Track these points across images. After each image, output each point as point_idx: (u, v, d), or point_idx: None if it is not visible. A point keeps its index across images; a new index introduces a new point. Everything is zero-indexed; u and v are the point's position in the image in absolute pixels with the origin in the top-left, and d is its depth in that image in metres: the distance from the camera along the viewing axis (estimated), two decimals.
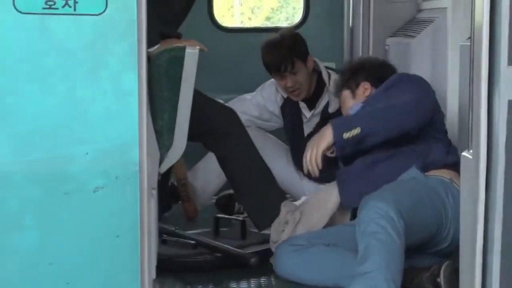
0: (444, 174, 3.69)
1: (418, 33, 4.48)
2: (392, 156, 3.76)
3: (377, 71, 4.05)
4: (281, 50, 4.72)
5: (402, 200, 3.38)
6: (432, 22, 4.42)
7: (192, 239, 4.08)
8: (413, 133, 3.71)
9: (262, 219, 4.10)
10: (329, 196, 3.88)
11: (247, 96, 5.10)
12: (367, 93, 4.01)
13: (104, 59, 2.79)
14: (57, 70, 2.76)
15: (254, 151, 4.19)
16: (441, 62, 4.12)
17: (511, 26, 2.85)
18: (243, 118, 4.98)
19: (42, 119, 2.75)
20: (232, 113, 4.25)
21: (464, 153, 2.90)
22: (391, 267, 3.22)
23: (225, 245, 4.03)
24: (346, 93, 4.10)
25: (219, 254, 3.99)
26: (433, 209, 3.54)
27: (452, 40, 4.02)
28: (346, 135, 3.59)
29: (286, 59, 4.70)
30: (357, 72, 4.09)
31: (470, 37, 3.05)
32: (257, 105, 5.04)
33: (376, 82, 4.00)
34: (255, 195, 4.12)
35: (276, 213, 4.02)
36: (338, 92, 4.18)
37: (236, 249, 4.00)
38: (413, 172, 3.68)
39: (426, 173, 3.69)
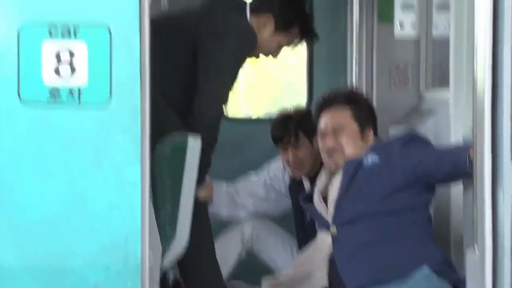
0: None
1: (421, 123, 4.49)
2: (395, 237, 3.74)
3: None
4: (287, 121, 4.80)
5: None
6: (434, 112, 4.44)
7: None
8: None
9: None
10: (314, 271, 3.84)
11: (253, 177, 5.10)
12: (370, 141, 4.00)
13: (107, 151, 2.79)
14: (59, 161, 2.76)
15: None
16: None
17: None
18: (249, 201, 4.98)
19: (43, 211, 2.74)
20: None
21: (469, 251, 2.87)
22: None
23: None
24: (351, 121, 4.03)
25: None
26: None
27: (455, 131, 4.02)
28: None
29: (291, 131, 4.76)
30: (371, 114, 4.10)
31: (472, 128, 3.05)
32: (264, 184, 5.04)
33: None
34: None
35: None
36: (334, 103, 4.07)
37: None
38: (425, 272, 3.64)
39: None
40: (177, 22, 4.13)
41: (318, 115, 4.11)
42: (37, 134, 2.75)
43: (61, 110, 2.75)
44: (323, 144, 4.03)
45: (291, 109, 4.93)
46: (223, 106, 4.18)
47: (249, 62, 4.30)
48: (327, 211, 3.95)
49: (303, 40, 4.34)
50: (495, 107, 2.92)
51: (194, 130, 3.78)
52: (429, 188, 3.83)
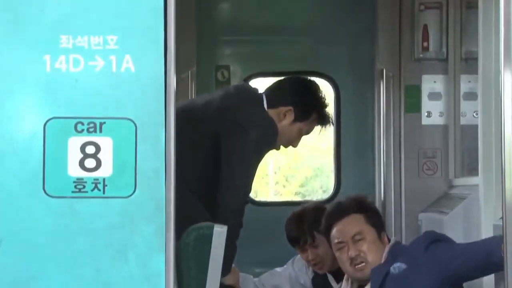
0: None
1: (451, 209, 4.46)
2: None
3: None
4: (301, 223, 4.76)
5: None
6: (464, 199, 4.41)
7: None
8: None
9: None
10: None
11: (278, 269, 5.07)
12: (387, 244, 3.98)
13: (131, 241, 2.79)
14: (84, 252, 2.76)
15: None
16: (475, 240, 4.06)
17: None
18: None
19: None
20: None
21: None
22: None
23: None
24: (368, 227, 4.01)
25: None
26: None
27: (485, 218, 3.99)
28: None
29: (306, 232, 4.73)
30: (379, 217, 4.12)
31: (502, 217, 3.02)
32: (289, 278, 5.00)
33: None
34: None
35: None
36: (348, 213, 4.06)
37: None
38: None
39: None
40: (199, 113, 4.21)
41: (329, 228, 4.12)
42: (62, 227, 2.76)
43: (85, 201, 2.77)
44: (343, 255, 4.02)
45: (301, 209, 4.88)
46: (247, 194, 4.22)
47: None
48: None
49: (321, 126, 4.41)
50: None
51: (219, 217, 3.80)
52: (459, 285, 3.78)
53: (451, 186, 4.99)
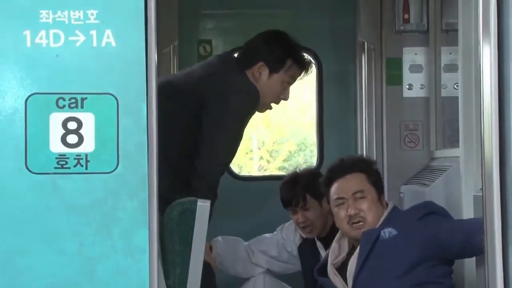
0: None
1: (432, 181, 4.49)
2: None
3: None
4: (295, 185, 4.84)
5: None
6: (445, 170, 4.44)
7: None
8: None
9: None
10: None
11: (267, 235, 5.12)
12: (385, 207, 3.98)
13: (115, 216, 2.80)
14: (67, 228, 2.77)
15: None
16: (456, 212, 4.10)
17: None
18: (263, 259, 4.97)
19: (51, 278, 2.73)
20: None
21: None
22: None
23: None
24: (370, 187, 3.99)
25: None
26: None
27: (466, 189, 4.02)
28: None
29: (299, 194, 4.79)
30: (380, 179, 4.11)
31: (481, 188, 3.05)
32: (276, 244, 5.06)
33: None
34: None
35: None
36: (351, 171, 4.03)
37: None
38: None
39: None
40: (181, 86, 4.22)
41: (329, 184, 4.06)
42: (44, 202, 2.76)
43: (68, 177, 2.76)
44: (341, 212, 3.95)
45: (299, 170, 4.95)
46: (228, 163, 4.25)
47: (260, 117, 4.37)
48: (344, 285, 3.90)
49: (303, 70, 4.39)
50: (503, 165, 2.92)
51: (196, 189, 3.84)
52: (448, 261, 3.79)
53: (433, 158, 5.02)
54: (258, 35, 4.41)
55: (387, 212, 3.96)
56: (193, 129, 4.13)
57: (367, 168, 4.06)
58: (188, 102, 4.15)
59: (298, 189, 4.81)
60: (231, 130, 4.13)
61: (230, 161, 4.39)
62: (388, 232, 3.81)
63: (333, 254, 4.07)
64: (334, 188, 4.02)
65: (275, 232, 5.11)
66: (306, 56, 4.43)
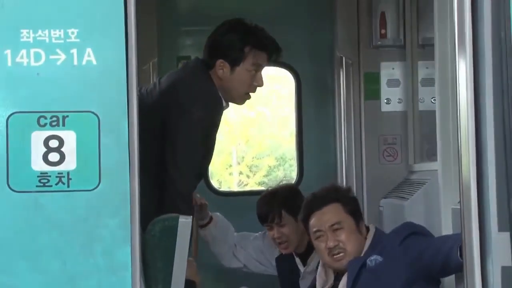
0: None
1: (411, 195, 4.52)
2: None
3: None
4: (271, 201, 4.87)
5: None
6: (423, 184, 4.48)
7: None
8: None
9: None
10: None
11: (251, 236, 5.17)
12: (365, 233, 3.99)
13: (97, 234, 2.81)
14: (49, 246, 2.77)
15: None
16: (436, 225, 4.13)
17: (499, 191, 2.89)
18: (242, 254, 5.02)
19: None
20: None
21: None
22: None
23: None
24: (346, 216, 3.99)
25: None
26: None
27: (445, 202, 4.05)
28: None
29: (275, 210, 4.82)
30: (357, 205, 4.10)
31: (459, 201, 3.08)
32: (257, 248, 5.14)
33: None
34: None
35: None
36: (326, 203, 4.05)
37: None
38: None
39: None
40: (143, 105, 4.13)
41: (307, 219, 4.10)
42: (26, 221, 2.76)
43: (50, 195, 2.77)
44: (321, 245, 3.99)
45: (275, 187, 4.97)
46: (198, 175, 4.18)
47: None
48: None
49: (268, 51, 4.23)
50: (480, 178, 2.95)
51: (170, 204, 3.82)
52: (434, 281, 3.80)
53: (411, 172, 5.06)
54: (214, 30, 4.25)
55: (370, 239, 3.98)
56: (161, 143, 4.05)
57: (341, 197, 4.08)
58: (153, 115, 4.05)
59: (275, 205, 4.84)
60: (195, 141, 4.02)
61: (202, 172, 4.32)
62: (374, 260, 3.82)
63: (320, 278, 4.11)
64: (312, 222, 4.07)
65: (256, 235, 5.17)
66: (268, 36, 4.20)
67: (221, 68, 4.16)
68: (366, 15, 5.63)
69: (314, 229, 4.04)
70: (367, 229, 4.07)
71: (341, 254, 3.94)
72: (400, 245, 3.79)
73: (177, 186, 4.00)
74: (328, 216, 4.02)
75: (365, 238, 4.01)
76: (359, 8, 5.67)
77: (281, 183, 5.21)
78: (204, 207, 4.87)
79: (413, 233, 3.83)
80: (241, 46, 4.17)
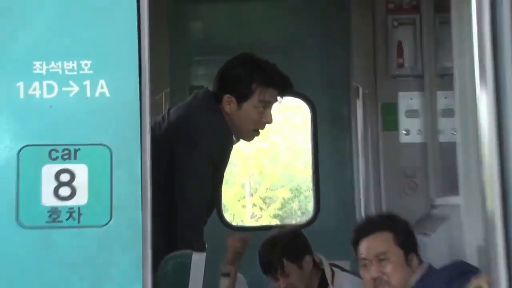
0: None
1: (433, 231, 4.41)
2: None
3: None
4: (271, 251, 4.73)
5: None
6: (446, 219, 4.36)
7: None
8: None
9: None
10: None
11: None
12: (415, 266, 3.82)
13: (108, 272, 2.71)
14: (59, 285, 2.68)
15: None
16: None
17: None
18: None
19: None
20: None
21: None
22: None
23: None
24: (395, 247, 3.83)
25: None
26: None
27: (469, 239, 3.93)
28: None
29: (276, 261, 4.71)
30: (412, 237, 3.91)
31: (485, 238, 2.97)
32: None
33: None
34: None
35: None
36: (376, 230, 3.88)
37: None
38: None
39: None
40: (156, 131, 4.05)
41: (356, 244, 3.93)
42: (36, 257, 2.67)
43: (60, 231, 2.68)
44: (366, 273, 3.83)
45: (275, 233, 4.83)
46: (208, 209, 4.07)
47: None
48: None
49: (278, 88, 4.15)
50: (507, 215, 2.85)
51: (181, 238, 3.73)
52: None
53: (433, 206, 4.95)
54: (225, 63, 4.18)
55: (419, 274, 3.80)
56: (169, 178, 3.95)
57: (394, 227, 3.88)
58: (161, 152, 3.95)
59: (275, 255, 4.71)
60: (204, 174, 3.91)
61: (211, 206, 4.23)
62: None
63: None
64: (359, 248, 3.90)
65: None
66: (278, 72, 4.12)
67: (228, 103, 4.08)
68: (382, 44, 5.56)
69: (361, 256, 3.88)
70: (420, 261, 3.88)
71: (384, 285, 3.76)
72: (446, 286, 3.63)
73: (185, 218, 3.91)
74: (375, 244, 3.85)
75: (414, 272, 3.82)
76: (375, 37, 5.60)
77: (283, 227, 5.09)
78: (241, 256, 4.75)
79: (463, 272, 3.61)
80: (249, 82, 4.08)
